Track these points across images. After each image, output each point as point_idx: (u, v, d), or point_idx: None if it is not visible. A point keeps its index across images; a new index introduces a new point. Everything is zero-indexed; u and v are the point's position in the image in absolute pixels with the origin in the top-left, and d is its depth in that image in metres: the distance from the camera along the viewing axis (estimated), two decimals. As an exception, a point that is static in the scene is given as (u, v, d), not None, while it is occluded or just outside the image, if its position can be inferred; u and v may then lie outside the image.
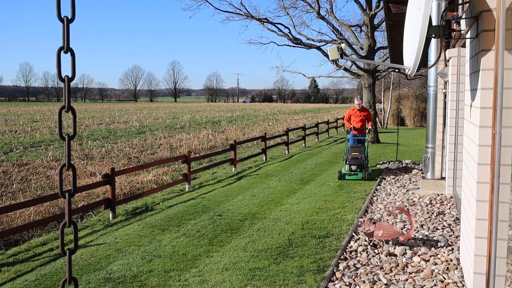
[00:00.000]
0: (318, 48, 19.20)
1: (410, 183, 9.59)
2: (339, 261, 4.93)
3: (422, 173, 9.06)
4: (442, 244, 5.33)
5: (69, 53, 1.36)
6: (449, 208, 7.13)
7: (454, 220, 6.38)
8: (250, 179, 10.63)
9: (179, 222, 6.83)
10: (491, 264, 3.14)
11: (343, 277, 4.51)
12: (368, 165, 10.85)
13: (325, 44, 19.30)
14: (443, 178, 8.46)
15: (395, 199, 8.03)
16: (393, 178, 10.19)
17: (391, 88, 32.61)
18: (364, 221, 6.57)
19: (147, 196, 8.84)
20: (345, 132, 27.12)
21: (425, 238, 5.63)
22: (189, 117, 40.26)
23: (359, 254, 5.15)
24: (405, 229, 6.04)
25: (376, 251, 5.20)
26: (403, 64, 4.08)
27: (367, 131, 10.92)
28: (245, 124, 31.38)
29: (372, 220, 6.57)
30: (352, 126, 11.13)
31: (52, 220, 6.62)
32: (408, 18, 4.14)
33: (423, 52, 3.56)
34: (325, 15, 18.97)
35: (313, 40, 19.54)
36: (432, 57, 8.01)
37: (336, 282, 4.42)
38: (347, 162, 9.97)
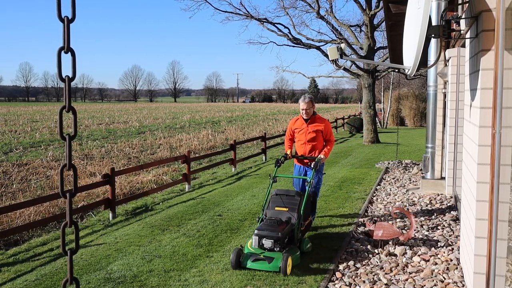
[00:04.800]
0: (318, 48, 19.21)
1: (410, 183, 9.59)
2: (339, 261, 4.93)
3: (422, 173, 9.06)
4: (442, 244, 5.33)
5: (69, 53, 1.37)
6: (449, 208, 7.13)
7: (454, 220, 6.39)
8: (250, 179, 10.63)
9: (179, 222, 6.82)
10: (491, 264, 3.14)
11: (343, 277, 4.51)
12: (306, 232, 5.76)
13: (325, 44, 19.31)
14: (443, 178, 8.46)
15: (395, 199, 8.03)
16: (393, 178, 10.19)
17: (390, 88, 32.63)
18: (364, 221, 6.57)
19: (147, 196, 8.84)
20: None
21: (425, 238, 5.63)
22: (189, 117, 40.26)
23: (359, 254, 5.15)
24: (405, 229, 6.04)
25: (376, 251, 5.20)
26: (402, 64, 4.08)
27: (312, 164, 5.83)
28: (245, 124, 31.39)
29: (372, 220, 6.57)
30: (290, 151, 6.22)
31: (52, 220, 6.62)
32: (408, 18, 4.15)
33: (423, 52, 3.57)
34: (325, 15, 18.98)
35: (312, 40, 19.56)
36: (432, 57, 8.01)
37: (336, 282, 4.42)
38: (256, 232, 4.91)
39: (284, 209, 5.27)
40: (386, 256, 5.02)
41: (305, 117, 6.16)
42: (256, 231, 4.89)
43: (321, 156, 5.97)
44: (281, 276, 4.59)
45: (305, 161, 6.19)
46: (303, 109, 6.11)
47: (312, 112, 6.15)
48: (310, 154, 6.13)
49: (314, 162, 5.82)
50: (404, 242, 5.38)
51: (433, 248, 5.21)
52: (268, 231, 4.85)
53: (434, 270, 4.54)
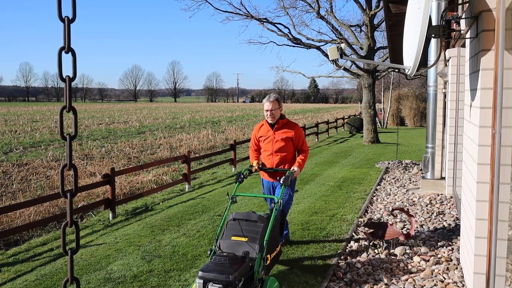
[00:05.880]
0: (318, 48, 19.22)
1: (410, 183, 9.59)
2: (339, 261, 4.93)
3: (422, 173, 9.06)
4: (442, 244, 5.33)
5: (70, 53, 1.37)
6: (449, 208, 7.14)
7: (454, 220, 6.39)
8: (250, 179, 10.63)
9: (179, 222, 6.82)
10: (491, 264, 3.14)
11: (343, 277, 4.51)
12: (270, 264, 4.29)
13: (325, 44, 19.32)
14: (443, 178, 8.46)
15: (395, 199, 8.03)
16: (393, 178, 10.19)
17: (391, 88, 32.63)
18: (364, 221, 6.57)
19: (147, 196, 8.84)
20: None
21: (425, 238, 5.63)
22: (189, 117, 40.28)
23: (359, 254, 5.15)
24: (405, 229, 6.04)
25: (376, 251, 5.21)
26: (403, 64, 4.08)
27: (282, 179, 4.72)
28: (245, 124, 31.39)
29: (372, 220, 6.57)
30: (256, 162, 5.28)
31: (52, 220, 6.63)
32: (408, 18, 4.15)
33: (423, 52, 3.57)
34: (325, 15, 18.99)
35: (312, 40, 19.57)
36: (432, 57, 8.01)
37: (337, 282, 4.42)
38: (200, 274, 3.60)
39: (243, 239, 4.03)
40: (386, 256, 5.03)
41: (270, 121, 5.12)
42: (200, 273, 3.58)
43: (294, 168, 4.93)
44: (282, 276, 4.59)
45: (276, 175, 5.16)
46: (267, 110, 5.06)
47: (279, 115, 5.12)
48: (279, 166, 5.16)
49: (283, 177, 4.66)
50: (404, 242, 5.38)
51: (433, 248, 5.21)
52: (216, 272, 3.54)
53: (434, 270, 4.54)
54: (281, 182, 4.68)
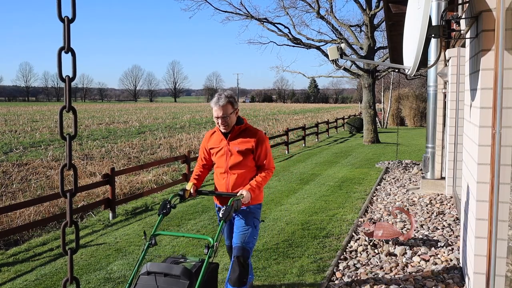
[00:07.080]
0: (318, 48, 19.22)
1: (410, 183, 9.59)
2: (339, 261, 4.93)
3: (422, 173, 9.06)
4: (442, 244, 5.33)
5: (69, 53, 1.37)
6: (449, 208, 7.14)
7: (454, 220, 6.39)
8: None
9: (179, 222, 6.83)
10: (491, 264, 3.14)
11: (343, 277, 4.51)
12: None
13: (325, 44, 19.34)
14: (443, 178, 8.46)
15: (395, 199, 8.03)
16: (393, 178, 10.19)
17: (391, 88, 32.63)
18: (364, 221, 6.58)
19: (147, 196, 8.84)
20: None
21: (425, 238, 5.63)
22: (189, 117, 40.30)
23: (359, 254, 5.15)
24: (405, 229, 6.04)
25: (376, 251, 5.21)
26: (403, 64, 4.08)
27: (221, 211, 3.26)
28: (245, 124, 31.36)
29: (372, 220, 6.57)
30: (191, 184, 3.70)
31: (52, 220, 6.62)
32: (408, 18, 4.15)
33: (423, 52, 3.56)
34: (325, 15, 19.00)
35: (313, 40, 19.58)
36: (432, 57, 8.01)
37: (336, 282, 4.42)
38: None
39: None
40: (386, 256, 5.02)
41: (223, 130, 3.66)
42: None
43: (243, 193, 3.48)
44: (282, 276, 4.59)
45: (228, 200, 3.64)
46: (217, 118, 3.61)
47: (234, 121, 3.67)
48: (235, 188, 3.66)
49: (223, 209, 3.28)
50: (404, 242, 5.38)
51: (433, 248, 5.21)
52: None
53: (434, 270, 4.54)
54: (220, 215, 3.29)
